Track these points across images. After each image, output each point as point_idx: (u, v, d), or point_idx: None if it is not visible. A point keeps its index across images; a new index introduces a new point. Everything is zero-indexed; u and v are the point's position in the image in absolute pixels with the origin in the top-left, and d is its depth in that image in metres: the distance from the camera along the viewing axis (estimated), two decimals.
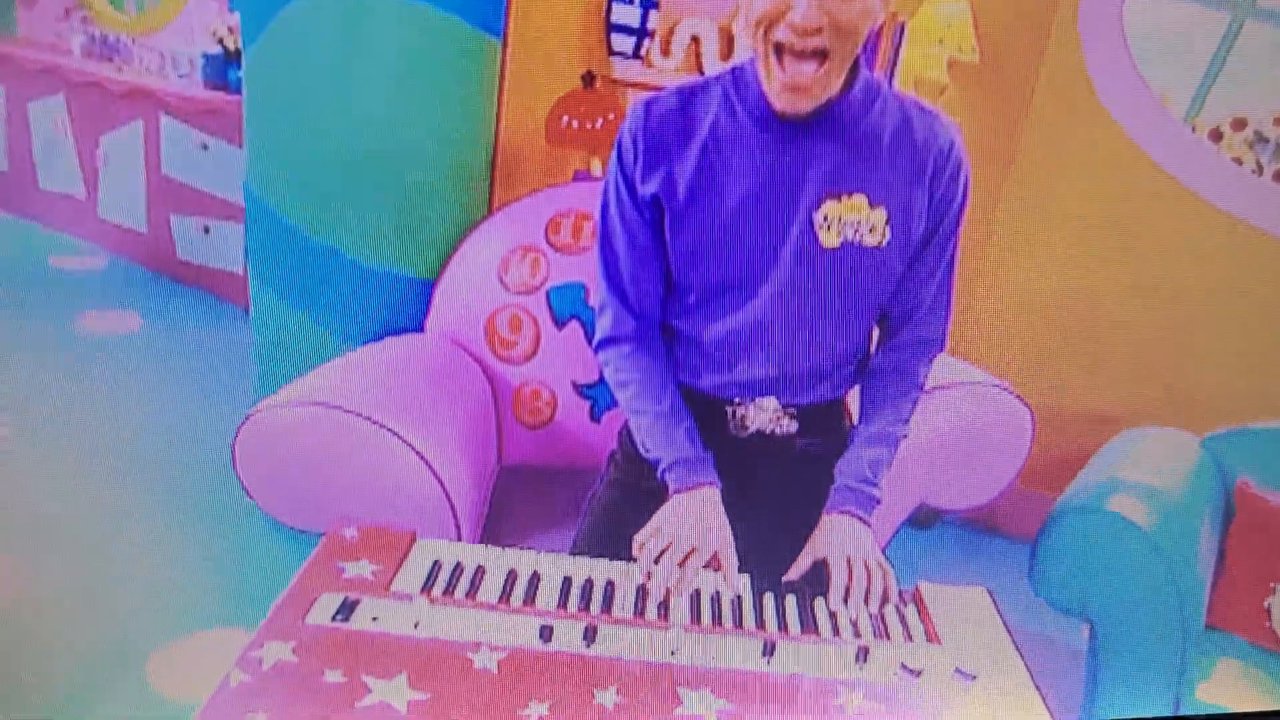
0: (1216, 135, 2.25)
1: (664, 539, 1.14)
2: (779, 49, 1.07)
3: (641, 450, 1.24)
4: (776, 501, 1.27)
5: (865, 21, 1.05)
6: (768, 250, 1.17)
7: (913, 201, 1.17)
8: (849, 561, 1.16)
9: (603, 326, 1.27)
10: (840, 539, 1.19)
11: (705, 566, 1.15)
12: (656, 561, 1.13)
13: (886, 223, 1.16)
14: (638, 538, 1.16)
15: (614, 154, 1.21)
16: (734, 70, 1.18)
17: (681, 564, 1.13)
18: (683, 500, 1.18)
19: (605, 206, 1.23)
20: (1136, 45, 2.13)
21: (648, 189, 1.18)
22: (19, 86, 3.96)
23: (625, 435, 1.33)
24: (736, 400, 1.26)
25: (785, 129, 1.14)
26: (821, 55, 1.06)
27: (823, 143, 1.14)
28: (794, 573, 1.20)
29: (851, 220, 1.15)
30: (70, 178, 3.94)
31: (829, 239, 1.15)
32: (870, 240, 1.16)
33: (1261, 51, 2.17)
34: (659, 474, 1.21)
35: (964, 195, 1.20)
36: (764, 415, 1.26)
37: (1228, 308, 2.18)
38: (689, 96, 1.19)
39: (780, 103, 1.11)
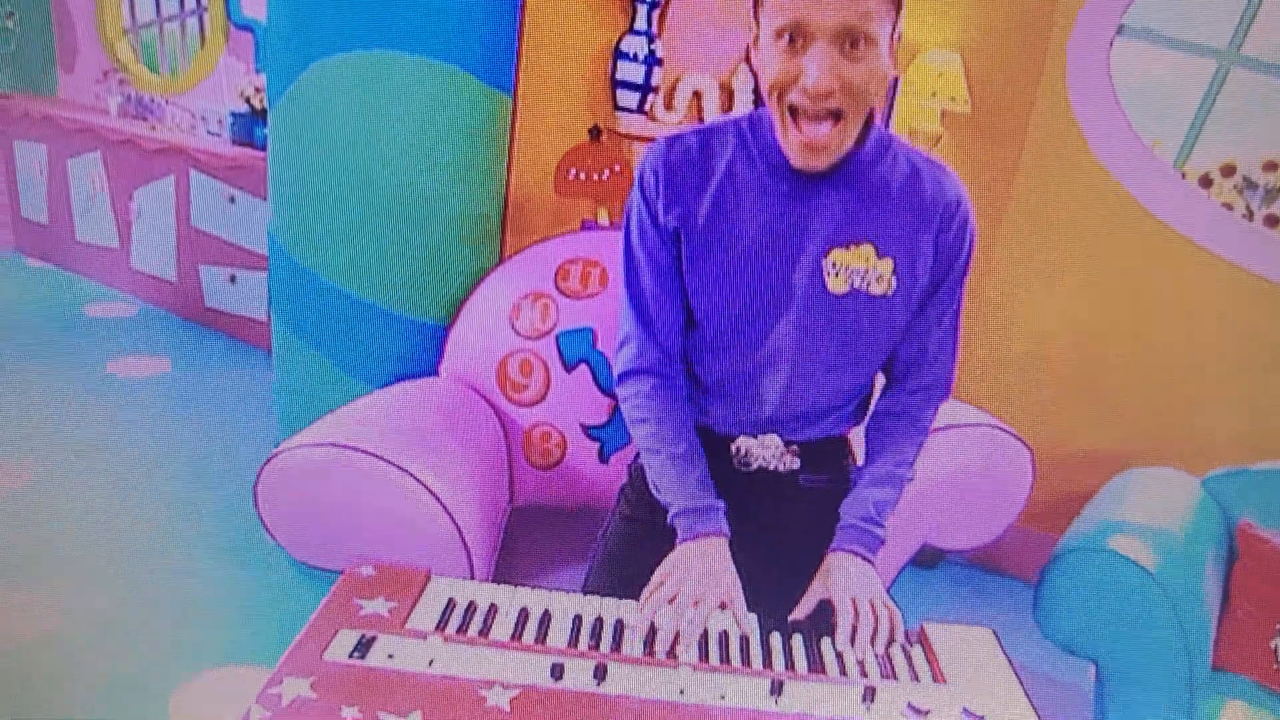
0: (1206, 181, 2.25)
1: (670, 590, 1.13)
2: (794, 111, 1.08)
3: (653, 490, 1.24)
4: (780, 538, 1.26)
5: (875, 82, 1.07)
6: (776, 292, 1.18)
7: (919, 252, 1.18)
8: (854, 601, 1.14)
9: (626, 359, 1.26)
10: (845, 578, 1.17)
11: None
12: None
13: (893, 272, 1.17)
14: (645, 591, 1.14)
15: (635, 189, 1.22)
16: (752, 116, 1.19)
17: None
18: (690, 549, 1.17)
19: (628, 239, 1.24)
20: (1124, 93, 2.14)
21: (669, 221, 1.19)
22: (59, 144, 4.08)
23: (636, 469, 1.33)
24: (739, 436, 1.27)
25: (798, 179, 1.15)
26: (836, 115, 1.07)
27: (834, 193, 1.15)
28: (800, 612, 1.18)
29: (859, 269, 1.16)
30: (105, 230, 4.04)
31: (837, 285, 1.16)
32: (877, 289, 1.17)
33: (1248, 98, 2.17)
34: (668, 519, 1.20)
35: (970, 248, 1.21)
36: (767, 452, 1.27)
37: (1224, 349, 2.17)
38: (707, 138, 1.20)
39: (798, 160, 1.12)
